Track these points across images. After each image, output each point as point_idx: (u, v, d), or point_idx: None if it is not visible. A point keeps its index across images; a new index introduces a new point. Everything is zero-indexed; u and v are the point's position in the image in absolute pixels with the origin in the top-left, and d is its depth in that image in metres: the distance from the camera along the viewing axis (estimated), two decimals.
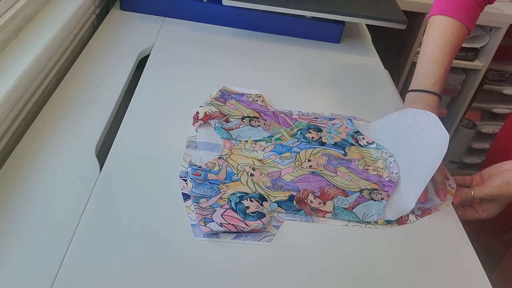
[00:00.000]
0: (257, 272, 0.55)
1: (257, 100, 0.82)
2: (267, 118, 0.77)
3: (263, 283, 0.54)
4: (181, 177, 0.65)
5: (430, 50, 0.78)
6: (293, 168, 0.68)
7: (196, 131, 0.73)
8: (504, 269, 0.90)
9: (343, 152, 0.73)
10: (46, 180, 0.61)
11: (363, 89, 0.93)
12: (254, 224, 0.58)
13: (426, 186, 0.66)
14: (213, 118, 0.75)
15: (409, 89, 0.79)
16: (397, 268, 0.58)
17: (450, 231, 0.65)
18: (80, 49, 0.90)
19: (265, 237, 0.59)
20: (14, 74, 0.67)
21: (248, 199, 0.62)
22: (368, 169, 0.71)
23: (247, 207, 0.61)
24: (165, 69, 0.88)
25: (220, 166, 0.66)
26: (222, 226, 0.57)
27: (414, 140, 0.72)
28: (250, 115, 0.77)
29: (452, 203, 0.69)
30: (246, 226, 0.58)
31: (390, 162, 0.73)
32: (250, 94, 0.83)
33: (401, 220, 0.65)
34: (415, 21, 1.56)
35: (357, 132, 0.78)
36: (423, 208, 0.68)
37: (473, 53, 1.65)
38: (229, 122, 0.75)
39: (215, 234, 0.58)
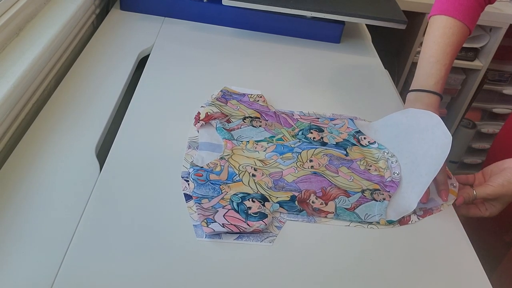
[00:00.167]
0: (260, 272, 0.55)
1: (258, 101, 0.81)
2: (268, 118, 0.77)
3: (266, 284, 0.53)
4: (183, 177, 0.64)
5: (431, 50, 0.78)
6: (295, 168, 0.68)
7: (198, 132, 0.73)
8: (505, 269, 0.90)
9: (345, 152, 0.73)
10: (46, 180, 0.61)
11: (363, 89, 0.93)
12: (256, 224, 0.58)
13: (428, 186, 0.66)
14: (215, 118, 0.74)
15: (410, 89, 0.79)
16: (398, 268, 0.58)
17: (451, 231, 0.65)
18: (80, 49, 0.90)
19: (267, 237, 0.58)
20: (14, 74, 0.67)
21: (250, 199, 0.62)
22: (369, 169, 0.71)
23: (249, 208, 0.60)
24: (165, 69, 0.88)
25: (222, 167, 0.66)
26: (224, 227, 0.57)
27: (415, 140, 0.72)
28: (252, 116, 0.77)
29: (454, 203, 0.69)
30: (248, 226, 0.58)
31: (392, 162, 0.73)
32: (252, 95, 0.83)
33: (403, 221, 0.65)
34: (415, 21, 1.56)
35: (359, 132, 0.78)
36: (425, 208, 0.68)
37: (473, 53, 1.65)
38: (231, 122, 0.75)
39: (217, 234, 0.57)
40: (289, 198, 0.63)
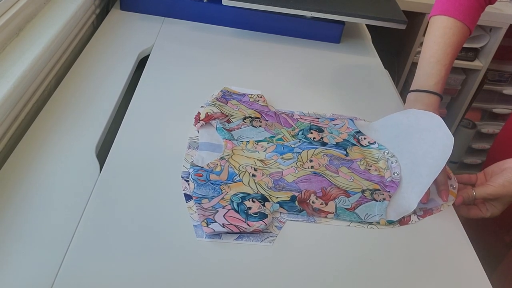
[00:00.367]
0: (260, 272, 0.55)
1: (258, 101, 0.81)
2: (268, 118, 0.77)
3: (266, 284, 0.53)
4: (183, 177, 0.64)
5: (431, 50, 0.78)
6: (295, 168, 0.68)
7: (198, 132, 0.73)
8: (505, 270, 0.90)
9: (345, 152, 0.73)
10: (46, 180, 0.61)
11: (363, 89, 0.93)
12: (256, 224, 0.58)
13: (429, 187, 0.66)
14: (215, 118, 0.74)
15: (410, 89, 0.79)
16: (398, 268, 0.58)
17: (451, 231, 0.65)
18: (80, 49, 0.90)
19: (268, 237, 0.58)
20: (14, 74, 0.67)
21: (250, 199, 0.62)
22: (369, 169, 0.71)
23: (249, 208, 0.60)
24: (165, 69, 0.88)
25: (222, 167, 0.66)
26: (224, 227, 0.57)
27: (416, 140, 0.72)
28: (252, 116, 0.77)
29: (453, 203, 0.69)
30: (248, 226, 0.58)
31: (392, 163, 0.73)
32: (252, 95, 0.83)
33: (403, 221, 0.65)
34: (415, 21, 1.55)
35: (359, 132, 0.78)
36: (425, 209, 0.67)
37: (473, 53, 1.65)
38: (231, 122, 0.75)
39: (217, 234, 0.57)
40: (289, 198, 0.63)
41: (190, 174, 0.64)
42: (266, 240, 0.58)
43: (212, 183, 0.63)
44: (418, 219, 0.66)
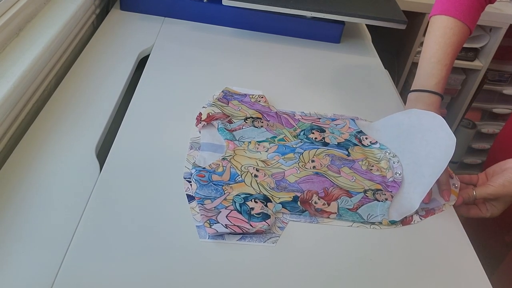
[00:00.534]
0: (263, 273, 0.54)
1: (259, 101, 0.81)
2: (270, 118, 0.77)
3: (269, 284, 0.53)
4: (185, 178, 0.64)
5: (432, 50, 0.78)
6: (297, 169, 0.68)
7: (200, 132, 0.72)
8: (505, 270, 0.90)
9: (347, 153, 0.73)
10: (46, 180, 0.61)
11: (363, 89, 0.93)
12: (259, 225, 0.58)
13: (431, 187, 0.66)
14: (216, 119, 0.74)
15: (411, 89, 0.79)
16: (400, 268, 0.58)
17: (451, 232, 0.65)
18: (80, 49, 0.89)
19: (270, 238, 0.58)
20: (14, 74, 0.66)
21: (253, 200, 0.61)
22: (371, 169, 0.71)
23: (252, 208, 0.60)
24: (165, 69, 0.87)
25: (224, 167, 0.66)
26: (227, 228, 0.57)
27: (418, 140, 0.71)
28: (253, 116, 0.76)
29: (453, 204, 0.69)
30: (251, 227, 0.57)
31: (394, 163, 0.72)
32: (253, 95, 0.82)
33: (405, 221, 0.64)
34: (415, 21, 1.55)
35: (360, 132, 0.78)
36: (427, 209, 0.67)
37: (473, 53, 1.65)
38: (232, 123, 0.74)
39: (220, 235, 0.57)
40: (291, 199, 0.63)
41: (192, 175, 0.64)
42: (269, 241, 0.58)
43: (214, 184, 0.63)
44: (420, 219, 0.65)
